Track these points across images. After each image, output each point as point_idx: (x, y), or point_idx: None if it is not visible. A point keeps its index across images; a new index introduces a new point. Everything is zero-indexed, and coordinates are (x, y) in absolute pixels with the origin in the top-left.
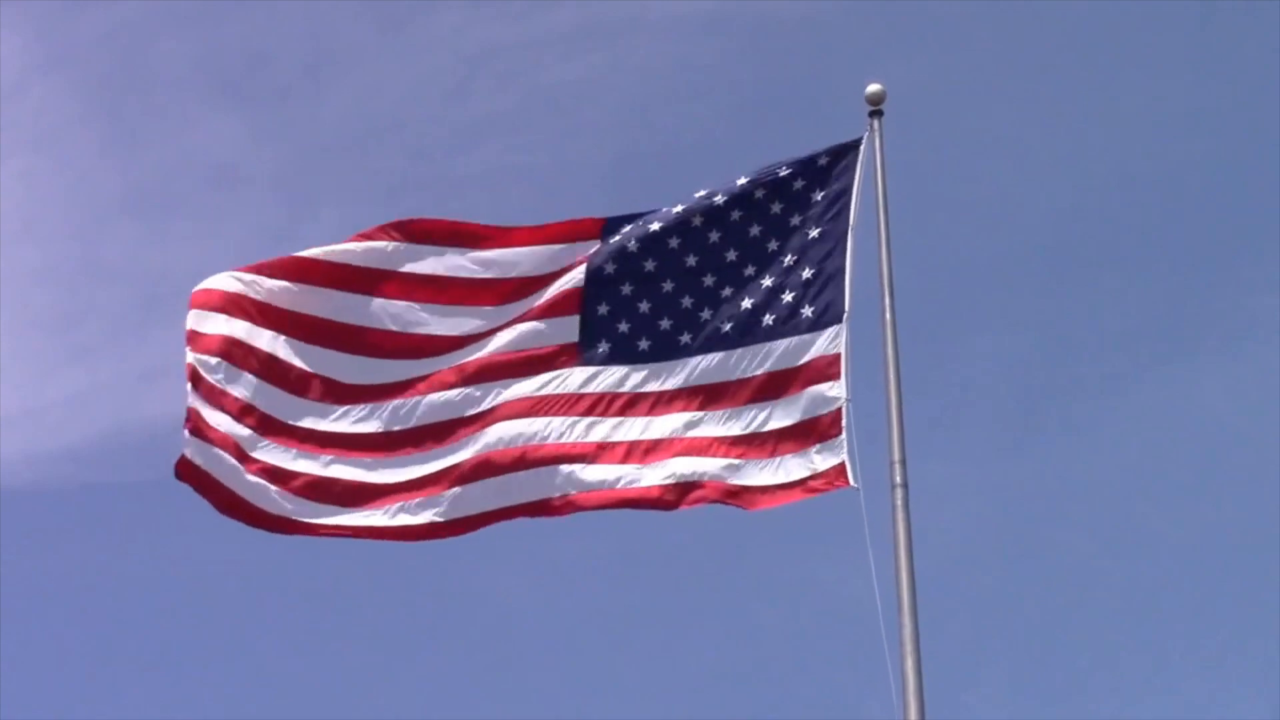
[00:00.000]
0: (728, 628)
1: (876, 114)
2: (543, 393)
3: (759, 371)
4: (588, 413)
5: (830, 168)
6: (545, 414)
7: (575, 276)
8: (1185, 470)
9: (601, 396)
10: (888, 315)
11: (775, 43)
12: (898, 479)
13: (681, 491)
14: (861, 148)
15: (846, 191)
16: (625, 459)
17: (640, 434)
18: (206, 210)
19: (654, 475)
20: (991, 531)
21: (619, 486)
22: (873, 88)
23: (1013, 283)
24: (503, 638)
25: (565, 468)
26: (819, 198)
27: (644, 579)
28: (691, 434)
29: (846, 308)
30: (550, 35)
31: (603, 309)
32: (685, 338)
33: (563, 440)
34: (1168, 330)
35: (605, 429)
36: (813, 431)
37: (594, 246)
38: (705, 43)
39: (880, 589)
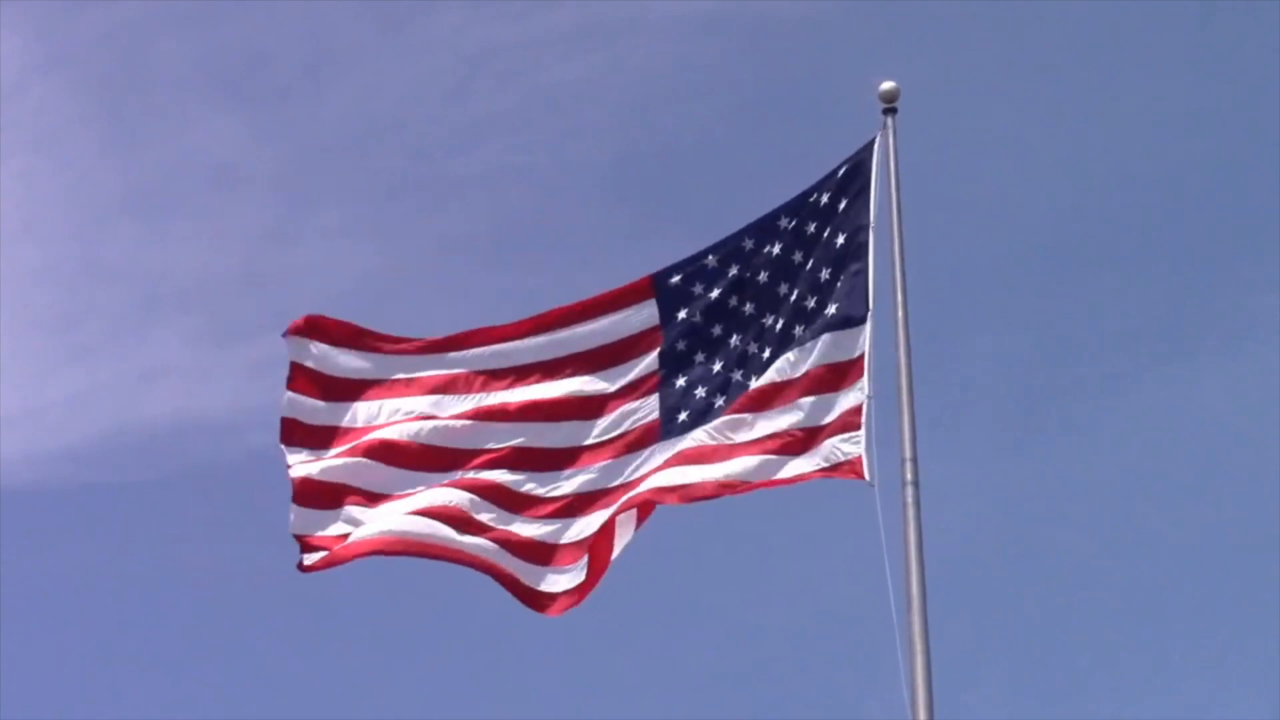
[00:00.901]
0: (733, 627)
1: (890, 111)
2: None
3: (792, 376)
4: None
5: (850, 174)
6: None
7: (649, 361)
8: (1186, 470)
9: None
10: (900, 313)
11: (775, 43)
12: (908, 477)
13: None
14: (875, 146)
15: (865, 191)
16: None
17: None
18: (206, 210)
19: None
20: (993, 531)
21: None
22: (886, 85)
23: (1013, 282)
24: (506, 637)
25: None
26: (842, 206)
27: (649, 578)
28: (732, 440)
29: (869, 306)
30: (550, 35)
31: (680, 381)
32: (738, 375)
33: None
34: (1169, 330)
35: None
36: (833, 427)
37: (650, 307)
38: (705, 42)
39: (891, 586)
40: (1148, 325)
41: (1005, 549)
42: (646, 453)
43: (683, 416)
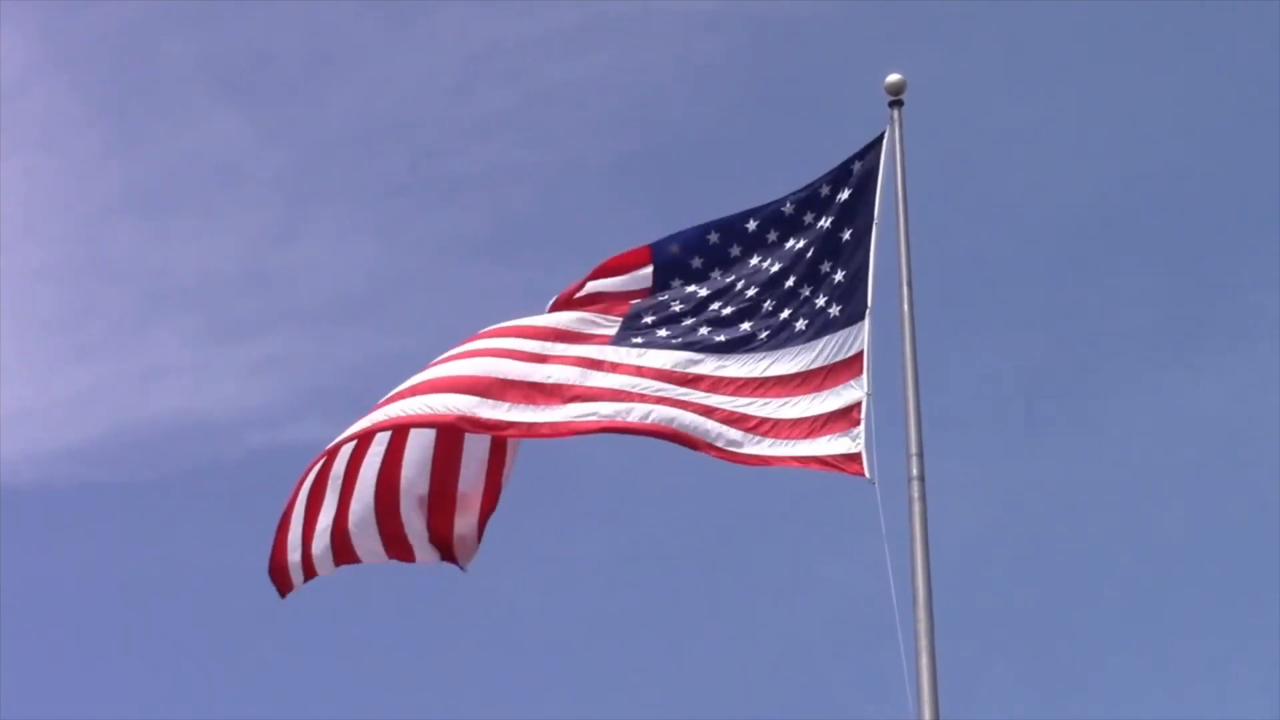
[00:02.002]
0: (738, 626)
1: (896, 104)
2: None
3: (787, 371)
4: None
5: (859, 170)
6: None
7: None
8: (1190, 467)
9: (629, 366)
10: (905, 308)
11: (780, 38)
12: (914, 472)
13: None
14: (884, 141)
15: (872, 185)
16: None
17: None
18: (210, 209)
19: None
20: (997, 528)
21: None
22: (892, 78)
23: (1018, 279)
24: (510, 636)
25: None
26: (845, 197)
27: (654, 577)
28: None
29: (869, 303)
30: (554, 33)
31: (648, 318)
32: (720, 337)
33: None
34: (1172, 327)
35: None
36: (834, 421)
37: (645, 270)
38: (709, 39)
39: (894, 585)
40: (1152, 322)
41: (1009, 546)
42: (597, 349)
43: (637, 339)
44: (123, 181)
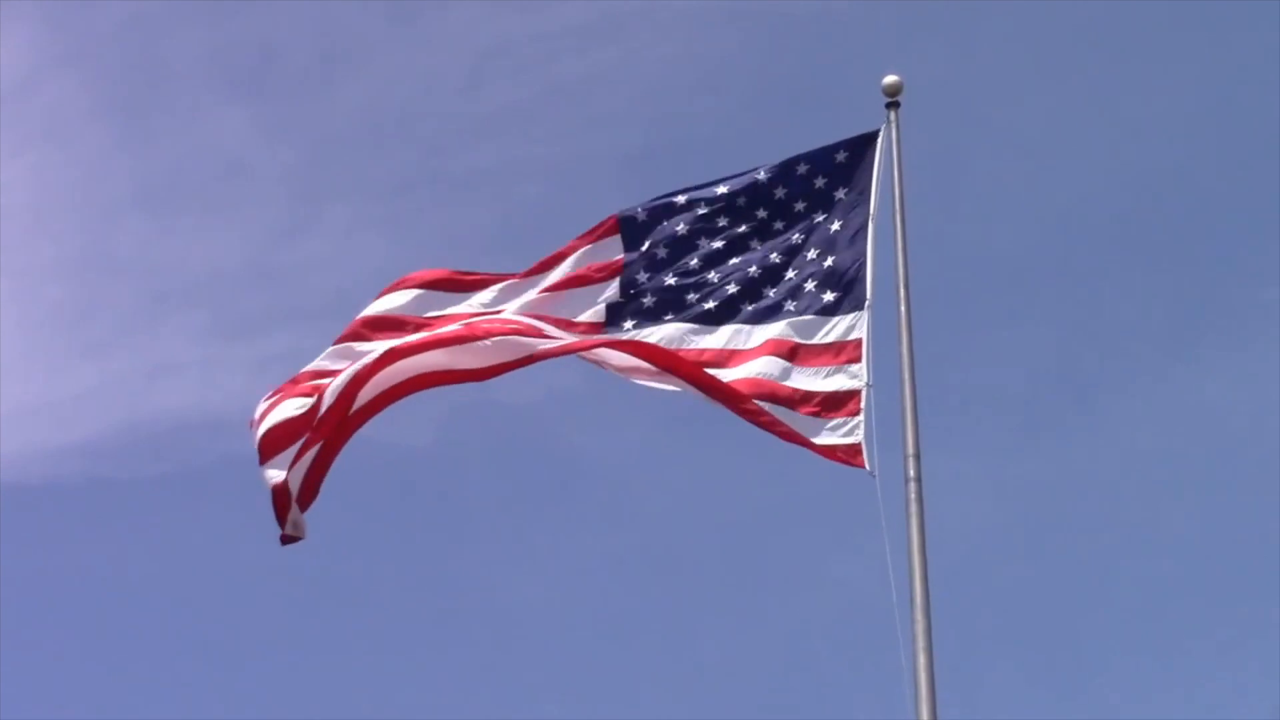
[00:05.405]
0: (738, 625)
1: (893, 105)
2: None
3: (780, 345)
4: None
5: (850, 162)
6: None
7: (610, 291)
8: (1192, 465)
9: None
10: (903, 308)
11: (788, 36)
12: (911, 473)
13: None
14: (880, 139)
15: (867, 182)
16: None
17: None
18: (217, 204)
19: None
20: (1001, 526)
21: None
22: (889, 79)
23: (1018, 278)
24: (514, 636)
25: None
26: (840, 195)
27: (656, 576)
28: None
29: (868, 296)
30: (563, 28)
31: (640, 299)
32: (710, 304)
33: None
34: (1174, 324)
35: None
36: (831, 405)
37: (615, 242)
38: (718, 35)
39: (894, 583)
40: (1153, 319)
41: (1010, 544)
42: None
43: (628, 324)
44: (130, 178)
